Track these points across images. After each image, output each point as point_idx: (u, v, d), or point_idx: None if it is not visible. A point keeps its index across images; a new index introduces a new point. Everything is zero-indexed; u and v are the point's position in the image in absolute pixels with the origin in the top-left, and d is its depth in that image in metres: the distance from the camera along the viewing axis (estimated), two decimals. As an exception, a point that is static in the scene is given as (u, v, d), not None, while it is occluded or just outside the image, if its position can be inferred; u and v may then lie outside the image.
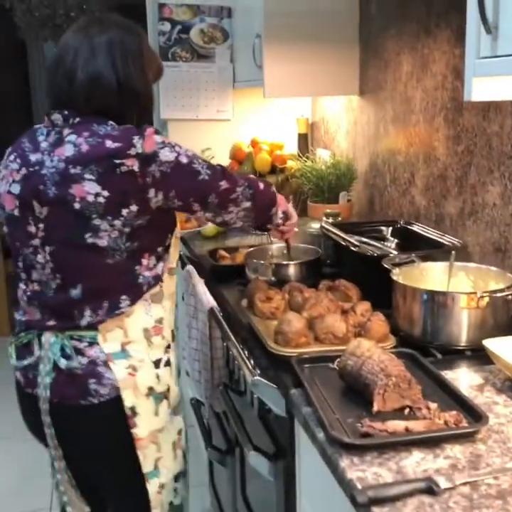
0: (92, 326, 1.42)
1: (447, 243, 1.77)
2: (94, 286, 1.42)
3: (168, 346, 1.53)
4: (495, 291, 1.36)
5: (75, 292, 1.41)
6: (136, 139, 1.37)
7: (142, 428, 1.44)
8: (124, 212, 1.37)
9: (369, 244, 1.81)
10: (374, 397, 1.13)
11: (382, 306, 1.50)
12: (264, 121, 3.06)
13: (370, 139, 2.45)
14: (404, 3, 2.12)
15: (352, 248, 1.75)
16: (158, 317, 1.50)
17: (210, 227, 2.46)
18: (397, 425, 1.06)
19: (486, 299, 1.33)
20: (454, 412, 1.08)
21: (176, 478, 1.56)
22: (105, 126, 1.41)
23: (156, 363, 1.49)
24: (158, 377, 1.48)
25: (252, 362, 1.45)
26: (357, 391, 1.19)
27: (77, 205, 1.36)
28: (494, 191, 1.69)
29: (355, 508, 0.91)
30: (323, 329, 1.42)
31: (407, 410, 1.13)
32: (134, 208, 1.38)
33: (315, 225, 2.14)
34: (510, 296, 1.36)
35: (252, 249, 2.01)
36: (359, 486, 0.93)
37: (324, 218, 2.15)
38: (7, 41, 6.32)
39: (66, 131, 1.41)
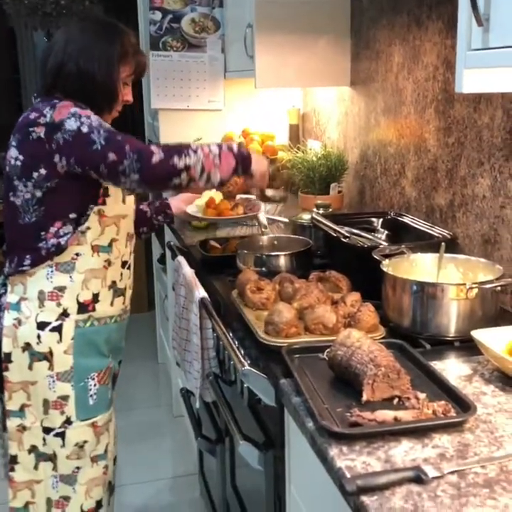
0: (7, 277, 1.67)
1: (437, 235, 1.78)
2: (11, 241, 1.68)
3: (66, 315, 1.65)
4: (484, 283, 1.37)
5: (5, 244, 1.69)
6: (46, 110, 1.58)
7: (13, 373, 1.66)
8: (35, 175, 1.58)
9: (359, 236, 1.81)
10: (363, 387, 1.14)
11: (372, 297, 1.50)
12: (255, 111, 3.05)
13: (361, 130, 2.45)
14: (396, -6, 2.11)
15: (342, 239, 1.76)
16: (60, 285, 1.65)
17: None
18: (386, 415, 1.06)
19: (475, 291, 1.34)
20: (442, 402, 1.09)
21: (47, 431, 1.69)
22: (47, 102, 1.61)
23: (41, 325, 1.64)
24: (39, 337, 1.64)
25: (242, 352, 1.46)
26: (346, 381, 1.20)
27: (7, 168, 1.64)
28: (484, 183, 1.70)
29: (344, 496, 0.92)
30: (313, 320, 1.42)
31: (396, 400, 1.14)
32: (43, 171, 1.58)
33: (306, 216, 2.14)
34: (498, 288, 1.37)
35: (242, 239, 2.02)
36: (348, 475, 0.94)
37: (315, 209, 2.15)
38: (-4, 29, 6.27)
39: (29, 108, 1.67)
